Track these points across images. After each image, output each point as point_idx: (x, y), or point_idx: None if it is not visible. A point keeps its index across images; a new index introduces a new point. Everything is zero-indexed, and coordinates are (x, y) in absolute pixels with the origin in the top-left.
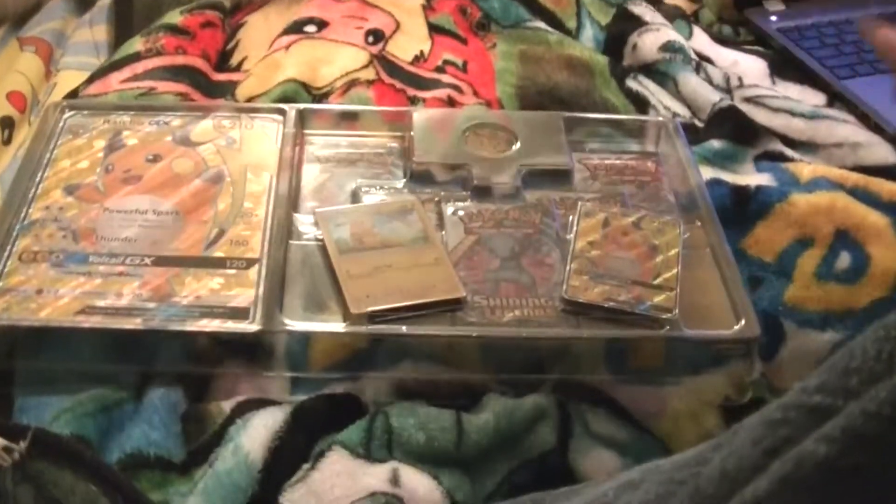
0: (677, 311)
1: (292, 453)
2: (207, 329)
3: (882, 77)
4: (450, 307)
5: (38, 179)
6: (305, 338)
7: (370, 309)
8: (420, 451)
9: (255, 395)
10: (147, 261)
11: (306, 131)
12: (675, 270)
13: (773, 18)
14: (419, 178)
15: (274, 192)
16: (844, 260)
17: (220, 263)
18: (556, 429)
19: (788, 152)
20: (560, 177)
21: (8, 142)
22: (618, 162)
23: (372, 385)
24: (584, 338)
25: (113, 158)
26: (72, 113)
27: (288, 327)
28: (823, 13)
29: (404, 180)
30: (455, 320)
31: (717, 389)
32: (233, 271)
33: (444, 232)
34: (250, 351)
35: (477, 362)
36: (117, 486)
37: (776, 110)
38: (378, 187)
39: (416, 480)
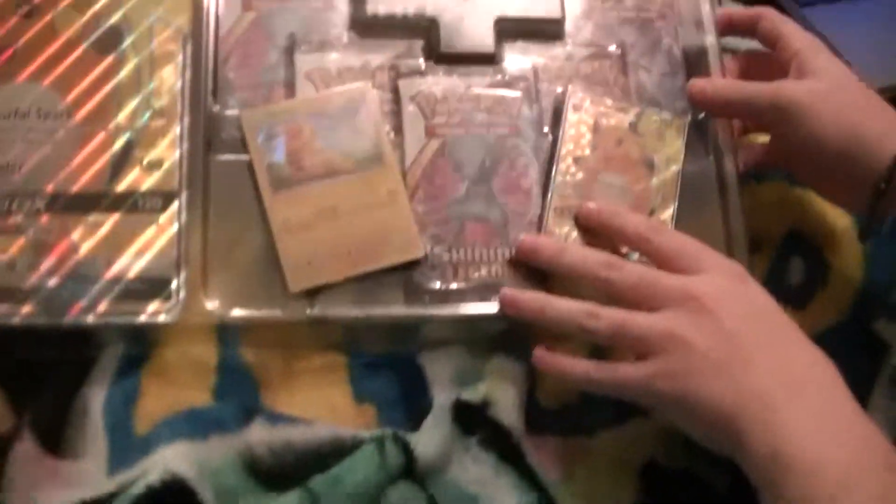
0: None
1: None
2: (120, 322)
3: (843, 4)
4: (406, 267)
5: None
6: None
7: (313, 285)
8: None
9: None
10: (40, 204)
11: None
12: (671, 208)
13: None
14: (368, 31)
15: (190, 70)
16: (797, 269)
17: (131, 205)
18: None
19: None
20: (547, 25)
21: None
22: None
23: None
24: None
25: None
26: None
27: (216, 316)
28: None
29: (348, 33)
30: (410, 286)
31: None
32: (147, 216)
33: (401, 135)
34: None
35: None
36: None
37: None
38: (318, 43)
39: None
